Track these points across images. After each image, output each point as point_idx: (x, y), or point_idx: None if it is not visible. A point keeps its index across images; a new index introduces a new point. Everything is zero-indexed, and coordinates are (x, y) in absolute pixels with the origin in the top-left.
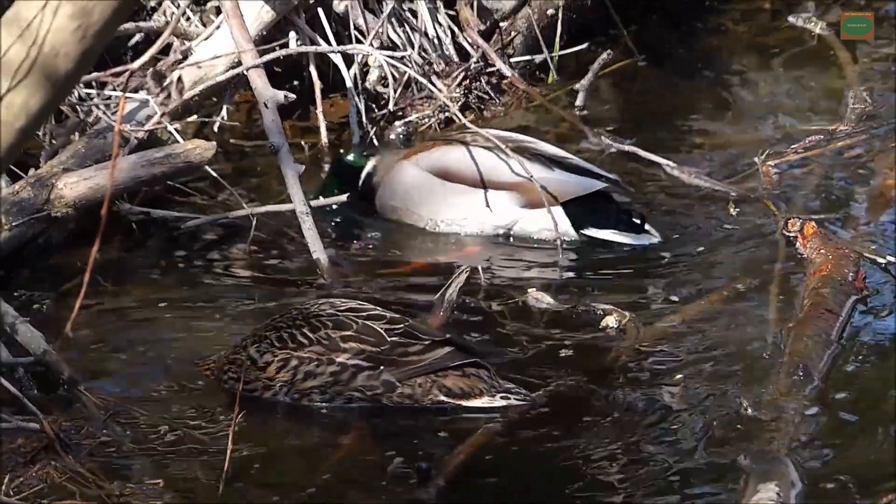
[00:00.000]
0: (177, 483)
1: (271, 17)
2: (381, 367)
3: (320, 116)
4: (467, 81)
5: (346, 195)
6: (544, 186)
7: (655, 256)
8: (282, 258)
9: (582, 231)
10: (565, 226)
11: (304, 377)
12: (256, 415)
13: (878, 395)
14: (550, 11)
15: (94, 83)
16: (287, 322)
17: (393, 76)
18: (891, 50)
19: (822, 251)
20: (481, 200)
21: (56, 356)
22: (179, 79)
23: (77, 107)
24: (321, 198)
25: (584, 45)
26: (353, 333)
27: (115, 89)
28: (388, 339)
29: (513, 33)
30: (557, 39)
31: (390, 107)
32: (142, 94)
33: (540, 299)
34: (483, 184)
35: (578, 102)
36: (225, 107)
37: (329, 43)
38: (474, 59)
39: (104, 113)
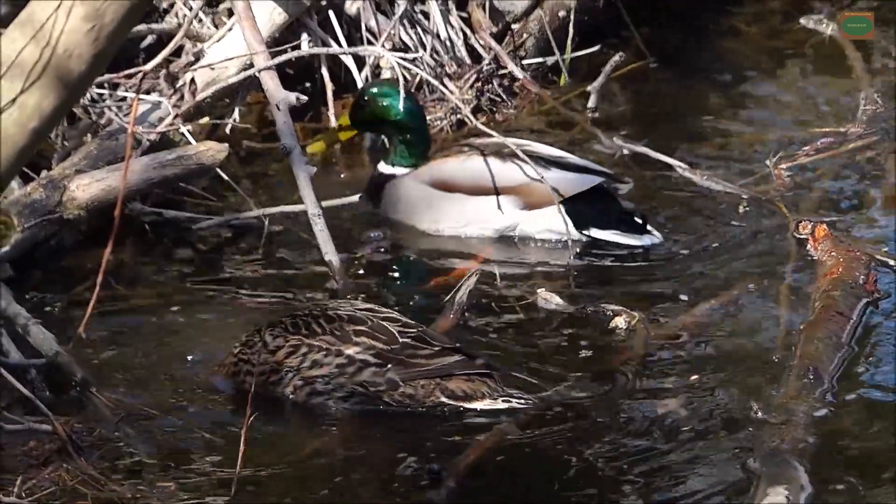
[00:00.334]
0: (189, 485)
1: (283, 19)
2: (389, 366)
3: (332, 118)
4: (479, 83)
5: (359, 196)
6: (542, 180)
7: (665, 257)
8: (293, 260)
9: (583, 231)
10: (566, 226)
11: (310, 365)
12: (268, 416)
13: (888, 398)
14: (562, 13)
15: (106, 85)
16: (304, 312)
17: (405, 78)
18: None
19: (833, 253)
20: (480, 206)
21: (68, 358)
22: (192, 80)
23: (89, 108)
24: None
25: (596, 48)
26: (366, 329)
27: (127, 91)
28: (400, 340)
29: (525, 35)
30: (569, 41)
31: (400, 108)
32: (154, 96)
33: (549, 300)
34: (481, 190)
35: (590, 104)
36: (237, 108)
37: (341, 45)
38: (486, 62)
39: (117, 114)
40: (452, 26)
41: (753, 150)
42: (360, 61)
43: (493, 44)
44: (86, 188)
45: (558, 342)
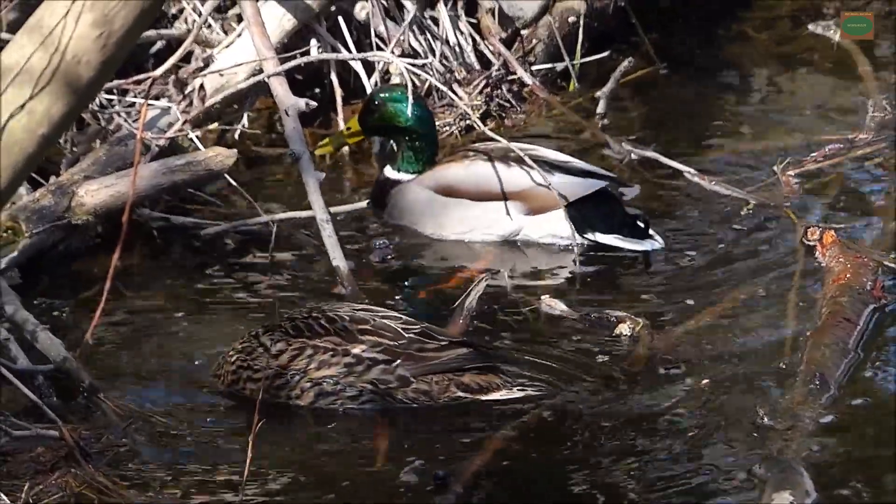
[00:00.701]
0: (196, 491)
1: (293, 25)
2: (398, 362)
3: (341, 124)
4: (488, 89)
5: (367, 202)
6: (549, 187)
7: (671, 262)
8: (301, 265)
9: (585, 235)
10: (569, 230)
11: (318, 366)
12: (275, 422)
13: (894, 404)
14: (572, 19)
15: (115, 90)
16: (302, 314)
17: (414, 84)
18: None
19: (840, 259)
20: (484, 212)
21: (76, 364)
22: (201, 86)
23: (98, 114)
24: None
25: (606, 53)
26: (370, 328)
27: (136, 97)
28: (406, 336)
29: (534, 41)
30: (578, 47)
31: (409, 113)
32: (163, 102)
33: (553, 306)
34: (485, 195)
35: (599, 110)
36: (246, 114)
37: (350, 50)
38: (495, 67)
39: (125, 120)
40: (462, 32)
41: (761, 156)
42: (369, 67)
43: (503, 49)
44: (94, 194)
45: (563, 348)
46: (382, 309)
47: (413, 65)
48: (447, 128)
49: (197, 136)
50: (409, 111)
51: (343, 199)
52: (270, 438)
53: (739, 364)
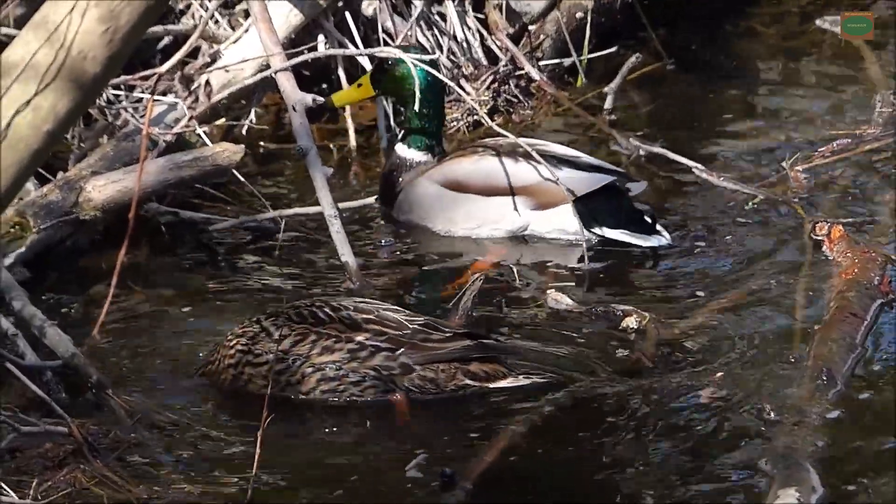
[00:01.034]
0: (205, 487)
1: (300, 21)
2: (401, 350)
3: (349, 119)
4: (496, 85)
5: (375, 198)
6: (558, 182)
7: (678, 257)
8: (309, 261)
9: (593, 230)
10: (577, 225)
11: (321, 351)
12: (284, 418)
13: None
14: (579, 14)
15: (122, 86)
16: (306, 304)
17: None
18: None
19: (848, 254)
20: (493, 207)
21: (84, 360)
22: (207, 82)
23: (105, 110)
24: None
25: (613, 49)
26: (374, 318)
27: (143, 92)
28: (410, 326)
29: (541, 36)
30: (586, 43)
31: (417, 110)
32: (170, 98)
33: (559, 300)
34: (493, 191)
35: (607, 106)
36: (253, 110)
37: (357, 46)
38: (503, 63)
39: (133, 116)
40: (469, 28)
41: (769, 152)
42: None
43: (510, 45)
44: (102, 189)
45: (569, 342)
46: (383, 303)
47: (420, 60)
48: (454, 123)
49: (204, 132)
50: (419, 76)
51: (351, 195)
52: (278, 433)
53: (747, 359)
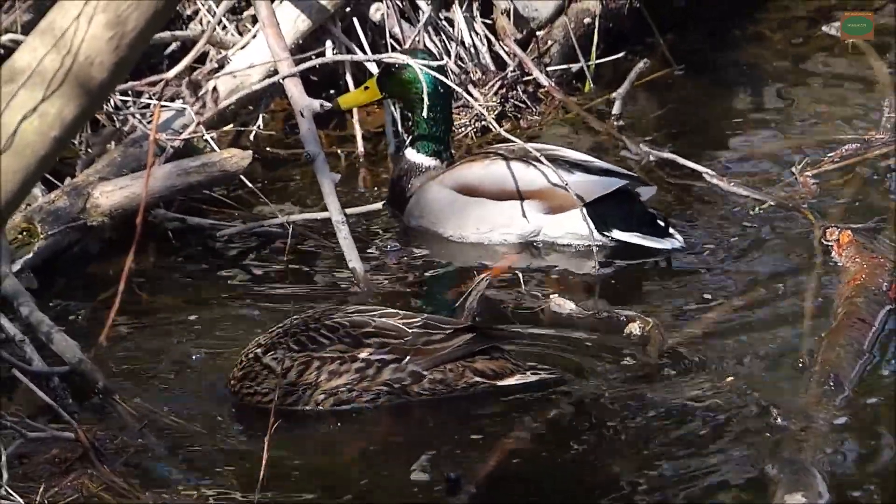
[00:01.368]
0: (212, 492)
1: (307, 26)
2: (407, 358)
3: (356, 125)
4: (504, 90)
5: (383, 204)
6: (567, 189)
7: (688, 262)
8: (317, 267)
9: (606, 234)
10: (588, 229)
11: (328, 377)
12: (291, 423)
13: None
14: (587, 20)
15: (129, 92)
16: (300, 328)
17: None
18: None
19: (857, 260)
20: (503, 211)
21: (91, 365)
22: (215, 88)
23: (113, 116)
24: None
25: (621, 54)
26: (372, 330)
27: (151, 98)
28: (410, 331)
29: (549, 42)
30: (594, 48)
31: (424, 115)
32: (178, 103)
33: (562, 305)
34: (505, 195)
35: (615, 111)
36: (261, 115)
37: (365, 52)
38: (511, 68)
39: (140, 122)
40: (477, 33)
41: (778, 157)
42: None
43: (518, 50)
44: (109, 195)
45: (573, 347)
46: (378, 307)
47: (428, 66)
48: (462, 129)
49: (212, 138)
50: (426, 81)
51: (359, 201)
52: (285, 438)
53: (754, 364)
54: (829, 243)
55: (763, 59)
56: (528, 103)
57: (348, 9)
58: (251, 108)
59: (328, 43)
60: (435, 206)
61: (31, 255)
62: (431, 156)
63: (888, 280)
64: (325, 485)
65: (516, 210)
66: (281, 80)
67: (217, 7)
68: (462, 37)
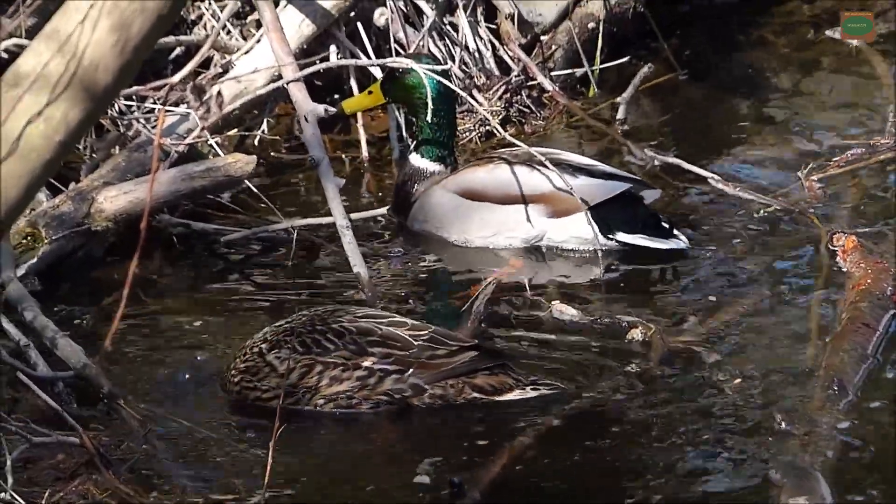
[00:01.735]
0: (217, 497)
1: (312, 31)
2: (410, 370)
3: (361, 130)
4: (508, 95)
5: (387, 209)
6: (572, 193)
7: (694, 267)
8: (321, 272)
9: (611, 237)
10: (593, 233)
11: (329, 382)
12: (296, 427)
13: None
14: (591, 25)
15: (134, 97)
16: (306, 328)
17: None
18: None
19: (861, 265)
20: (508, 215)
21: (96, 370)
22: (219, 92)
23: (117, 120)
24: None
25: (625, 59)
26: (378, 339)
27: (155, 103)
28: (416, 343)
29: (553, 47)
30: (598, 53)
31: (428, 119)
32: (182, 108)
33: (563, 311)
34: (509, 199)
35: (619, 116)
36: (266, 120)
37: (369, 56)
38: (515, 73)
39: (144, 127)
40: (481, 38)
41: (783, 162)
42: None
43: (522, 55)
44: (114, 200)
45: (575, 353)
46: (385, 313)
47: (432, 70)
48: (467, 133)
49: (216, 143)
50: (430, 86)
51: (363, 206)
52: (289, 443)
53: (757, 368)
54: (836, 248)
55: (767, 64)
56: (533, 108)
57: (352, 14)
58: (256, 112)
59: (332, 47)
60: (439, 211)
61: (35, 259)
62: (435, 161)
63: (893, 285)
64: (330, 489)
65: (521, 214)
66: (285, 85)
67: (221, 12)
68: (466, 41)
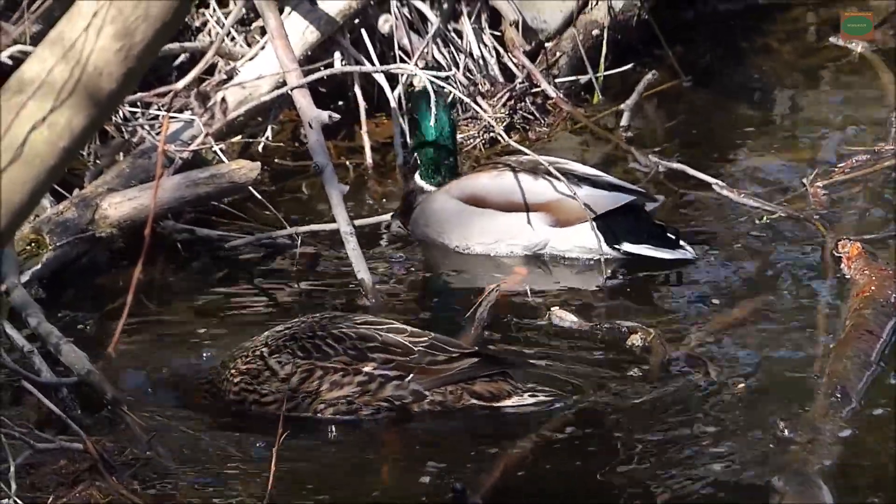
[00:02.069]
0: (220, 503)
1: (316, 38)
2: (410, 376)
3: (365, 137)
4: (512, 102)
5: (391, 215)
6: (576, 197)
7: (698, 274)
8: (325, 278)
9: (616, 247)
10: (596, 243)
11: (330, 387)
12: (298, 433)
13: None
14: (595, 32)
15: (138, 103)
16: (307, 333)
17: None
18: None
19: (866, 272)
20: (510, 223)
21: (100, 376)
22: (223, 99)
23: (122, 127)
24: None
25: (630, 66)
26: (378, 345)
27: (159, 109)
28: (416, 349)
29: (558, 54)
30: (602, 60)
31: (428, 125)
32: (186, 115)
33: (563, 318)
34: (512, 206)
35: (623, 123)
36: (269, 127)
37: (373, 63)
38: (519, 80)
39: (149, 133)
40: (485, 45)
41: (787, 168)
42: (392, 80)
43: (526, 62)
44: (118, 206)
45: (573, 360)
46: (385, 320)
47: (437, 77)
48: (471, 140)
49: (221, 149)
50: (428, 123)
51: (367, 212)
52: (293, 449)
53: (760, 375)
54: (840, 255)
55: (771, 71)
56: (537, 115)
57: (357, 20)
58: (260, 119)
59: (337, 54)
60: (441, 217)
61: (39, 265)
62: (436, 186)
63: None
64: (333, 495)
65: (523, 222)
66: (289, 92)
67: (226, 18)
68: (470, 48)
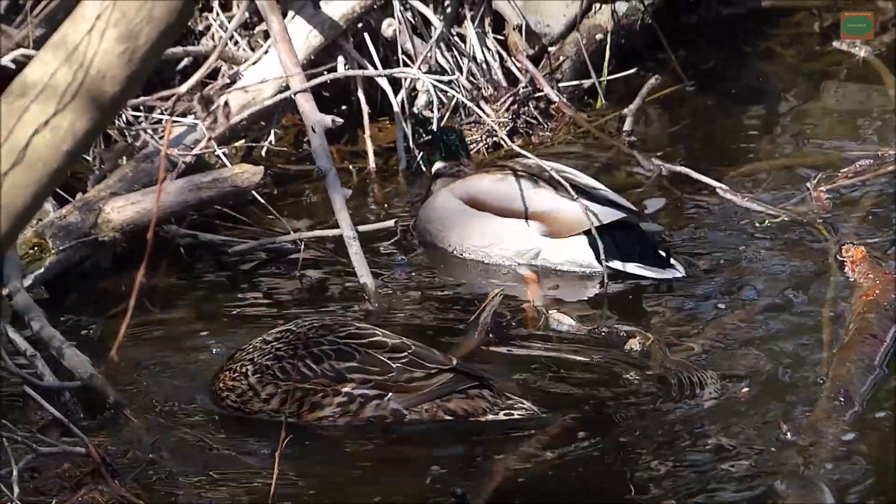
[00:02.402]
0: None
1: (319, 42)
2: (389, 395)
3: (368, 141)
4: (515, 106)
5: (394, 220)
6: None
7: (700, 277)
8: (328, 282)
9: (606, 263)
10: (588, 257)
11: (310, 408)
12: (300, 439)
13: None
14: (599, 36)
15: (141, 107)
16: (288, 351)
17: (441, 101)
18: None
19: (869, 276)
20: (505, 228)
21: (102, 380)
22: (227, 103)
23: (125, 131)
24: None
25: (633, 70)
26: (356, 364)
27: (162, 113)
28: (394, 367)
29: (561, 58)
30: (606, 64)
31: (436, 130)
32: (189, 119)
33: (561, 321)
34: (508, 212)
35: (626, 127)
36: (273, 131)
37: (377, 67)
38: (522, 84)
39: (152, 137)
40: (489, 49)
41: (791, 173)
42: (396, 84)
43: (530, 66)
44: (121, 210)
45: (574, 364)
46: (368, 330)
47: (440, 81)
48: (474, 144)
49: (224, 153)
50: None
51: (370, 216)
52: (294, 453)
53: (763, 378)
54: (844, 259)
55: (775, 75)
56: (540, 119)
57: (360, 24)
58: (263, 123)
59: (340, 58)
60: (442, 215)
61: (42, 269)
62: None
63: None
64: (335, 500)
65: (517, 228)
66: (293, 96)
67: (229, 22)
68: (474, 52)
